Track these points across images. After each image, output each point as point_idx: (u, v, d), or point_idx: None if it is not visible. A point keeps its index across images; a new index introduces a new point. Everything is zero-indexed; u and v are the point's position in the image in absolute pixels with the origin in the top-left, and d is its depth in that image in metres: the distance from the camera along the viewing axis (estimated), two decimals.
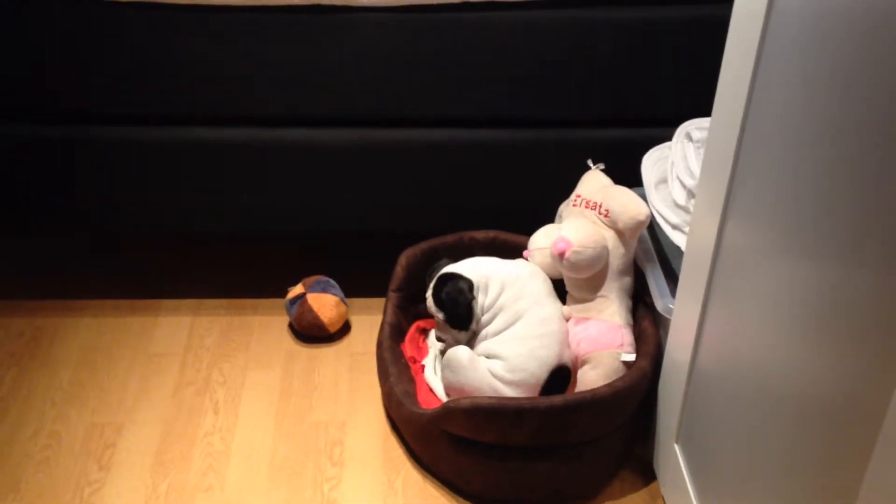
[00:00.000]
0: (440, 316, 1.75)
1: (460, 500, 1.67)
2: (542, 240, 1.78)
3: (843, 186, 0.98)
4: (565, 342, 1.71)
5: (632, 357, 1.66)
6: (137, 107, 1.82)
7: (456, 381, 1.68)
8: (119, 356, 1.94)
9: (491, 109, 1.85)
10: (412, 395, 1.73)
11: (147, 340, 1.99)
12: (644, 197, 1.71)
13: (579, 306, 1.74)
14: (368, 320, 2.04)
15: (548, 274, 1.78)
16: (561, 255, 1.69)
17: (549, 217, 1.88)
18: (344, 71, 1.78)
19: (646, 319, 1.71)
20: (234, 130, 1.86)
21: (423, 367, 1.85)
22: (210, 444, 1.75)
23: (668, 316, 1.59)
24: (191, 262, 2.22)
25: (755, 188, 1.21)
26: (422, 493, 1.68)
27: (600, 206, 1.72)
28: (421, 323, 1.93)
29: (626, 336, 1.69)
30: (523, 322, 1.70)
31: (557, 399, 1.55)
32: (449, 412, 1.58)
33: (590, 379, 1.66)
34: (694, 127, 1.68)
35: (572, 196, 1.81)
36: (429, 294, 1.78)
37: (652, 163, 1.76)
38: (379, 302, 2.02)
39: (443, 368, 1.72)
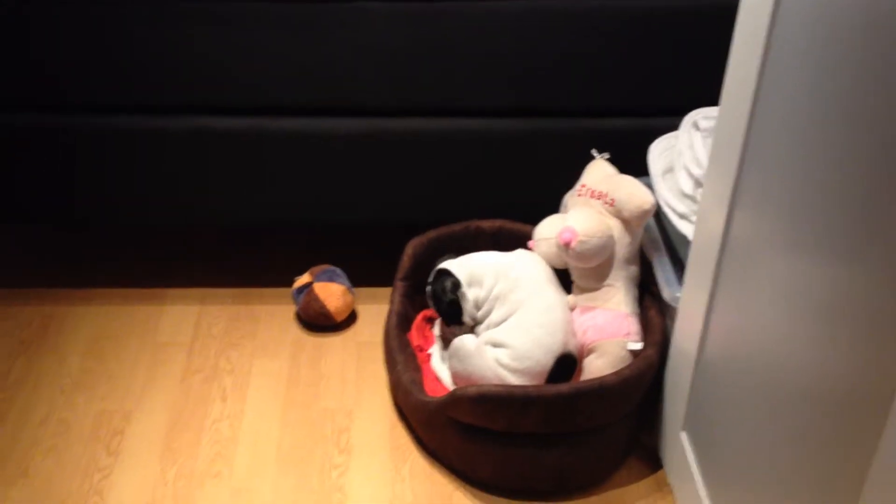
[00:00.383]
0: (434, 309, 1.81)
1: (467, 487, 1.68)
2: (548, 230, 1.79)
3: (851, 178, 0.98)
4: (570, 330, 1.71)
5: (639, 346, 1.67)
6: (142, 97, 1.83)
7: (462, 369, 1.69)
8: (127, 344, 1.96)
9: (496, 99, 1.86)
10: (419, 384, 1.74)
11: (155, 329, 2.00)
12: (650, 186, 1.71)
13: (585, 295, 1.75)
14: (375, 309, 2.05)
15: (553, 264, 1.79)
16: (566, 244, 1.69)
17: (554, 207, 1.88)
18: (349, 61, 1.79)
19: (652, 308, 1.72)
20: (238, 120, 1.86)
21: (429, 355, 1.86)
22: (218, 431, 1.76)
23: (674, 305, 1.59)
24: (198, 251, 2.23)
25: (763, 179, 1.22)
26: (429, 480, 1.69)
27: (606, 196, 1.73)
28: (427, 312, 1.94)
29: (633, 325, 1.70)
30: (526, 310, 1.71)
31: (564, 387, 1.56)
32: (456, 400, 1.59)
33: (596, 367, 1.67)
34: (701, 116, 1.68)
35: (577, 186, 1.81)
36: (427, 289, 1.82)
37: (659, 152, 1.76)
38: (385, 291, 2.02)
39: (449, 357, 1.73)
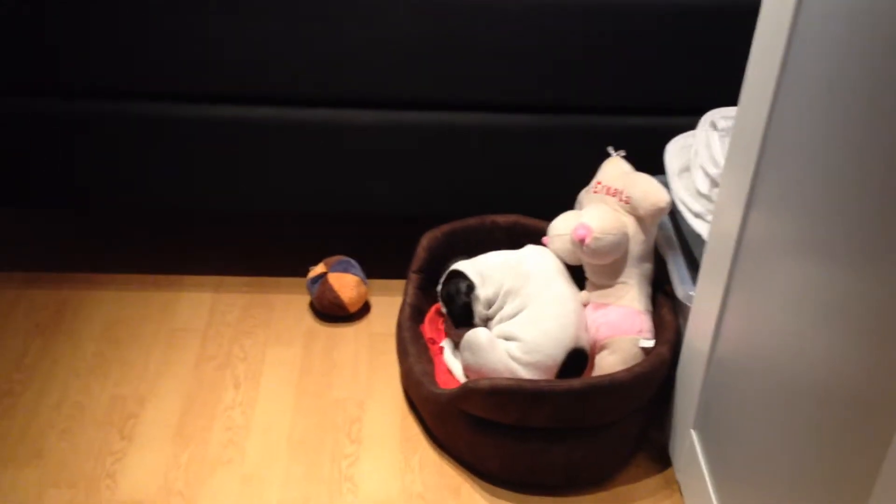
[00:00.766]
0: (444, 311, 1.82)
1: (476, 479, 1.69)
2: (562, 226, 1.79)
3: (868, 180, 0.98)
4: (582, 325, 1.72)
5: (651, 343, 1.67)
6: (160, 85, 1.83)
7: (475, 362, 1.70)
8: (142, 330, 1.97)
9: (514, 94, 1.86)
10: (431, 376, 1.75)
11: (170, 315, 2.01)
12: (666, 184, 1.71)
13: (599, 292, 1.76)
14: (388, 301, 2.06)
15: (567, 260, 1.80)
16: (581, 241, 1.70)
17: (569, 203, 1.89)
18: (369, 52, 1.79)
19: (665, 307, 1.72)
20: (254, 109, 1.87)
21: (441, 348, 1.87)
22: (230, 417, 1.78)
23: (688, 303, 1.60)
24: (214, 239, 2.24)
25: (780, 179, 1.22)
26: (438, 471, 1.70)
27: (621, 193, 1.73)
28: (440, 305, 1.95)
29: (646, 322, 1.71)
30: (537, 304, 1.72)
31: (576, 382, 1.56)
32: (468, 393, 1.60)
33: (608, 364, 1.68)
34: (719, 116, 1.69)
35: (593, 183, 1.81)
36: (439, 289, 1.84)
37: (675, 151, 1.76)
38: (399, 283, 2.03)
39: (462, 350, 1.73)
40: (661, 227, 1.76)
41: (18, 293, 2.05)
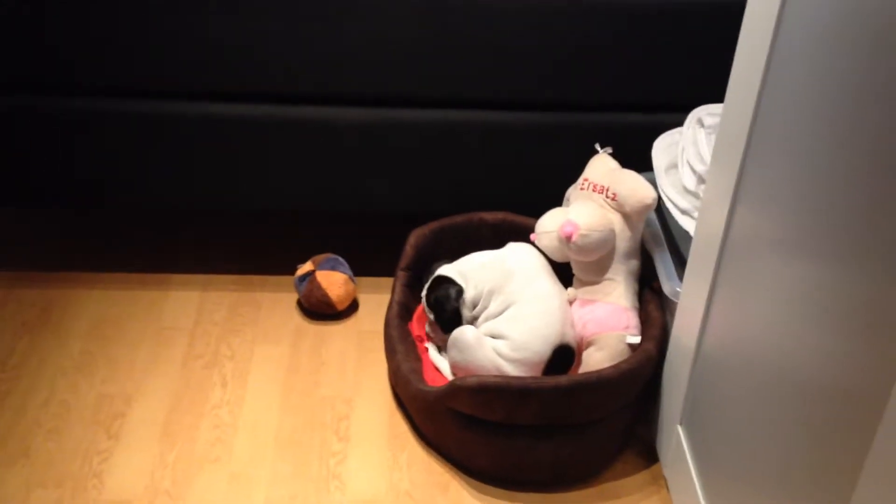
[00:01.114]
0: (431, 317, 1.81)
1: (464, 476, 1.69)
2: (550, 223, 1.80)
3: (853, 177, 0.99)
4: (568, 321, 1.72)
5: (637, 339, 1.68)
6: (155, 82, 1.83)
7: (462, 359, 1.70)
8: (129, 329, 1.96)
9: (514, 93, 1.86)
10: (418, 373, 1.75)
11: (157, 314, 2.01)
12: (653, 181, 1.72)
13: (586, 289, 1.76)
14: (376, 299, 2.06)
15: (554, 257, 1.80)
16: (568, 238, 1.70)
17: (557, 200, 1.89)
18: (369, 51, 1.79)
19: (652, 303, 1.73)
20: (247, 107, 1.87)
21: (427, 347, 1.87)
22: (218, 416, 1.77)
23: (674, 300, 1.60)
24: (201, 237, 2.24)
25: (766, 176, 1.22)
26: (426, 469, 1.70)
27: (608, 190, 1.74)
28: (424, 309, 1.94)
29: (632, 319, 1.71)
30: (522, 301, 1.72)
31: (563, 379, 1.57)
32: (455, 390, 1.60)
33: (595, 360, 1.68)
34: (706, 113, 1.69)
35: (580, 180, 1.82)
36: (423, 294, 1.83)
37: (662, 148, 1.77)
38: (387, 281, 2.03)
39: (449, 348, 1.73)
40: (647, 223, 1.76)
41: (5, 292, 2.04)
